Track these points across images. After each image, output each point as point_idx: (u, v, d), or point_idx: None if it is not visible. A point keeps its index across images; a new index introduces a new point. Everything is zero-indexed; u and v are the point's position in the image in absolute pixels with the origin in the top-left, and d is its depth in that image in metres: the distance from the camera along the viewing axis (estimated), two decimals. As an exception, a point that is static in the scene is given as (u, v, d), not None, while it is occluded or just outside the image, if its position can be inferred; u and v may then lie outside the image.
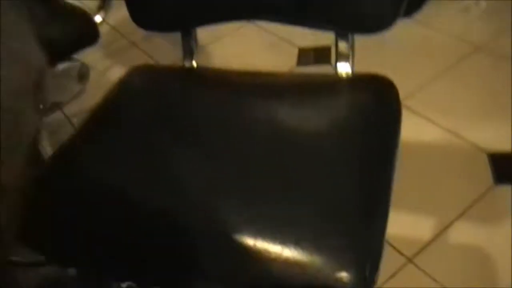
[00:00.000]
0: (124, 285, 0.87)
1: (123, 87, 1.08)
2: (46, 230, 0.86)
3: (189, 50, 1.14)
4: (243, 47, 2.25)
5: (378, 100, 0.95)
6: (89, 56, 2.47)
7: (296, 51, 2.17)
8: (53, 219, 0.86)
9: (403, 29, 2.10)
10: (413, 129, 1.70)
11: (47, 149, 1.54)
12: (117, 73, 1.03)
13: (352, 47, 1.01)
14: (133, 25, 1.10)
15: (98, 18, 2.72)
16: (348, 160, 0.84)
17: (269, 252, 0.72)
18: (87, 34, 1.23)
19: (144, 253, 0.80)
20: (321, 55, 2.10)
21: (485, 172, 1.53)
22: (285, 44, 2.21)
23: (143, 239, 0.80)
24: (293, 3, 0.98)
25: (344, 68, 1.02)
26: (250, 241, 0.73)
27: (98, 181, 0.88)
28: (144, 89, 1.07)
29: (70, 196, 0.87)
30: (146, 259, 0.80)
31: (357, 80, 1.00)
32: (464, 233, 1.39)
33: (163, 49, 2.32)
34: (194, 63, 1.14)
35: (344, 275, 0.69)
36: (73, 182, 0.89)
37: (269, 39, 2.25)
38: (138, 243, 0.80)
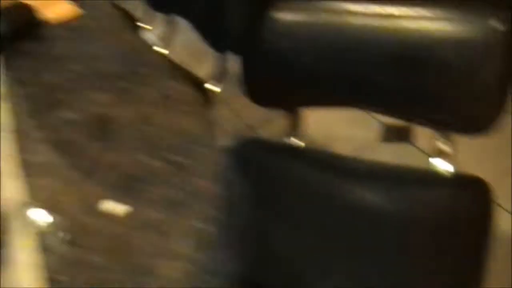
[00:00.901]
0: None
1: (233, 158, 1.18)
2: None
3: (293, 127, 1.24)
4: (327, 117, 2.31)
5: (472, 203, 0.99)
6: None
7: (377, 125, 2.22)
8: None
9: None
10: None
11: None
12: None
13: (452, 147, 1.06)
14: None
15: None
16: (440, 259, 0.89)
17: None
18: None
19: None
20: (403, 133, 2.16)
21: None
22: (368, 117, 2.27)
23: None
24: (401, 101, 1.05)
25: (441, 164, 1.07)
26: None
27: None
28: (254, 164, 1.16)
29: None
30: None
31: (455, 180, 1.05)
32: None
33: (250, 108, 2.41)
34: (298, 140, 1.23)
35: None
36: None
37: (353, 111, 2.30)
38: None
